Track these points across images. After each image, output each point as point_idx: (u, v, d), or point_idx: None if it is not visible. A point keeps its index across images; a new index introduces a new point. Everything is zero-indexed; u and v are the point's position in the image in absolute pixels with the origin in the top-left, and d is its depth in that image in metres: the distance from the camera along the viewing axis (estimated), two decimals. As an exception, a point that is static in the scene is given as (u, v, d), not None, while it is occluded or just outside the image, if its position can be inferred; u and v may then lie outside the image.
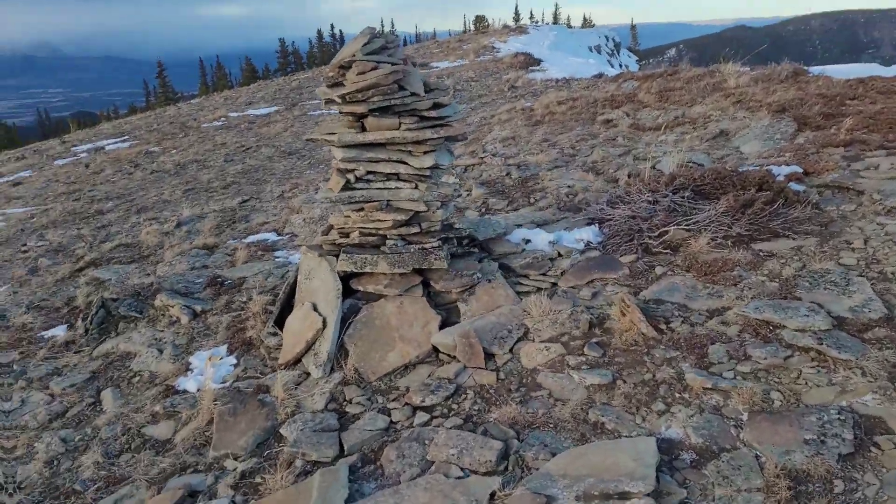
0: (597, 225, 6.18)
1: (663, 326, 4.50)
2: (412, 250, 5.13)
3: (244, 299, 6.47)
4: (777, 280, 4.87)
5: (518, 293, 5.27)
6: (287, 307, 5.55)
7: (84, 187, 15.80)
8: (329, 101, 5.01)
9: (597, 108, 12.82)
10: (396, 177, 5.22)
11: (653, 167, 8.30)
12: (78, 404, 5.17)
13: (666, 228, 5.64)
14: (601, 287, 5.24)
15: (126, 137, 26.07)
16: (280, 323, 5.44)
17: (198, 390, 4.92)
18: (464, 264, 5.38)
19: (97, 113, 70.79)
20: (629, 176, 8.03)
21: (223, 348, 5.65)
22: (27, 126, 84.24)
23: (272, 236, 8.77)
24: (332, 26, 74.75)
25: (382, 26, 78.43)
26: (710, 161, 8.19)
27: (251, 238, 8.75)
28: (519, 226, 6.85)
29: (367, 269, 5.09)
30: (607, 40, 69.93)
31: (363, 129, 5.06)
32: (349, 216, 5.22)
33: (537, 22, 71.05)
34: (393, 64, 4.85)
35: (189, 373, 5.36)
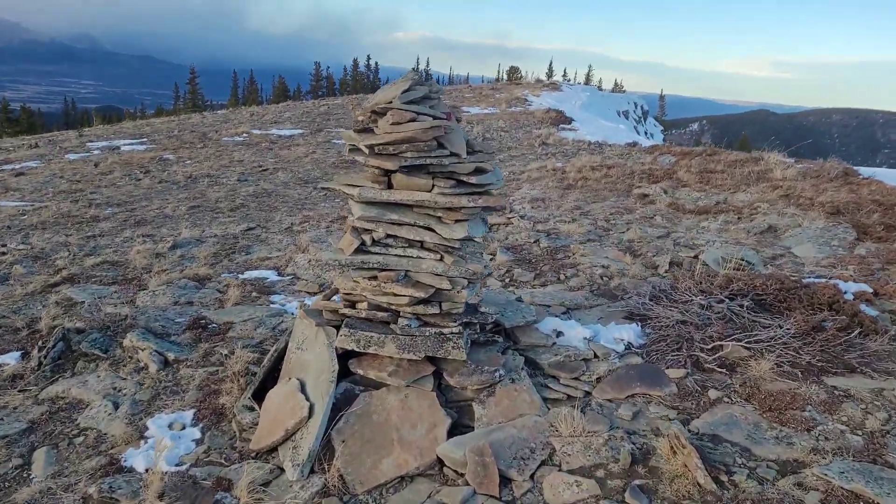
0: (638, 323, 5.36)
1: (724, 478, 3.64)
2: (427, 334, 4.32)
3: (226, 352, 5.64)
4: (860, 432, 4.02)
5: (545, 399, 4.43)
6: (271, 376, 4.73)
7: (87, 188, 15.16)
8: (354, 150, 4.29)
9: (633, 179, 12.15)
10: (420, 245, 4.46)
11: (695, 257, 7.54)
12: (3, 464, 4.31)
13: (722, 342, 4.81)
14: (643, 405, 4.40)
15: (144, 140, 25.67)
16: (260, 395, 4.60)
17: (146, 471, 4.06)
18: (485, 355, 4.55)
19: (123, 110, 71.29)
20: (671, 265, 7.25)
21: (189, 414, 4.80)
22: (52, 112, 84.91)
23: (272, 275, 7.99)
24: (369, 57, 75.73)
25: (418, 63, 79.39)
26: (761, 260, 7.41)
27: (248, 274, 7.97)
28: (547, 307, 6.05)
29: (372, 350, 4.27)
30: (636, 107, 70.32)
31: (389, 186, 4.32)
32: (358, 282, 4.43)
33: (569, 80, 71.67)
34: (434, 118, 4.13)
35: (142, 442, 4.50)
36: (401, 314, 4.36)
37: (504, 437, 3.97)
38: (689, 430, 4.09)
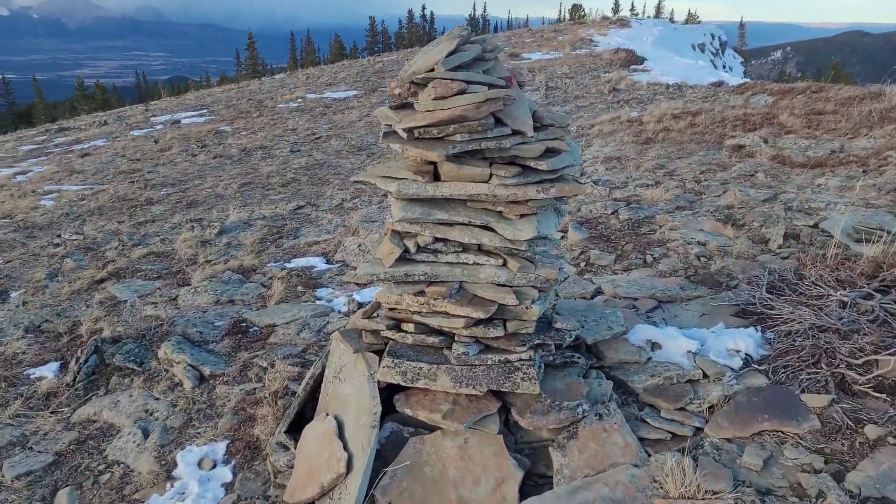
0: (757, 328, 4.27)
1: (908, 572, 2.62)
2: (490, 362, 3.44)
3: (265, 364, 4.98)
4: None
5: (642, 440, 3.49)
6: (309, 405, 4.00)
7: (145, 167, 14.97)
8: (390, 135, 3.37)
9: (724, 128, 10.63)
10: (476, 248, 3.54)
11: (815, 226, 6.24)
12: (19, 512, 3.83)
13: (878, 356, 3.69)
14: (776, 447, 3.39)
15: (204, 111, 25.57)
16: (297, 426, 3.90)
17: (166, 532, 3.45)
18: (562, 382, 3.64)
19: (189, 80, 72.59)
20: (786, 238, 6.00)
21: (221, 447, 4.18)
22: (126, 87, 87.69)
23: (320, 263, 7.29)
24: (424, 7, 73.34)
25: (474, 10, 76.40)
26: (902, 227, 6.03)
27: (295, 262, 7.30)
28: (634, 301, 5.03)
29: (421, 384, 3.44)
30: (713, 38, 65.15)
31: (435, 178, 3.39)
32: (403, 298, 3.57)
33: (638, 14, 67.11)
34: (490, 86, 3.15)
35: (168, 485, 3.91)
36: (456, 338, 3.48)
37: (592, 498, 3.08)
38: (846, 490, 3.06)
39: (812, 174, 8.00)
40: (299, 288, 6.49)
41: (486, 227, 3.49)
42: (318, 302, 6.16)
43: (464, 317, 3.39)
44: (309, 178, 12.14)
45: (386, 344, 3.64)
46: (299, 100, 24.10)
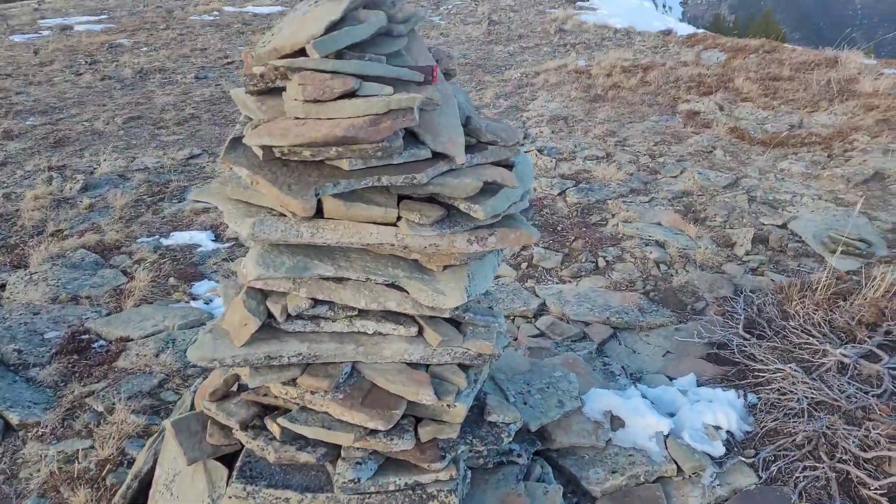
0: (739, 393, 3.40)
1: None
2: (393, 487, 2.38)
3: (101, 408, 3.74)
4: None
5: (596, 576, 2.57)
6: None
7: (14, 85, 12.62)
8: (237, 147, 2.11)
9: (678, 89, 9.66)
10: (379, 315, 2.40)
11: (784, 226, 5.45)
12: None
13: (892, 452, 2.88)
14: (765, 587, 2.55)
15: (103, 17, 22.34)
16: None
17: None
18: (495, 496, 2.64)
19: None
20: (754, 242, 5.17)
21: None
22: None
23: (206, 239, 5.94)
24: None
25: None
26: (881, 237, 5.30)
27: (174, 238, 5.92)
28: (584, 326, 4.08)
29: (289, 517, 2.35)
30: (656, -26, 63.70)
31: (318, 214, 2.18)
32: (269, 387, 2.42)
33: (585, -57, 64.48)
34: (398, 83, 1.94)
35: None
36: (344, 453, 2.38)
37: None
38: None
39: (774, 155, 7.19)
40: (171, 280, 5.17)
41: (393, 286, 2.35)
42: (192, 303, 4.88)
43: (356, 425, 2.29)
44: (211, 115, 10.41)
45: (242, 450, 2.50)
46: (216, 13, 21.37)
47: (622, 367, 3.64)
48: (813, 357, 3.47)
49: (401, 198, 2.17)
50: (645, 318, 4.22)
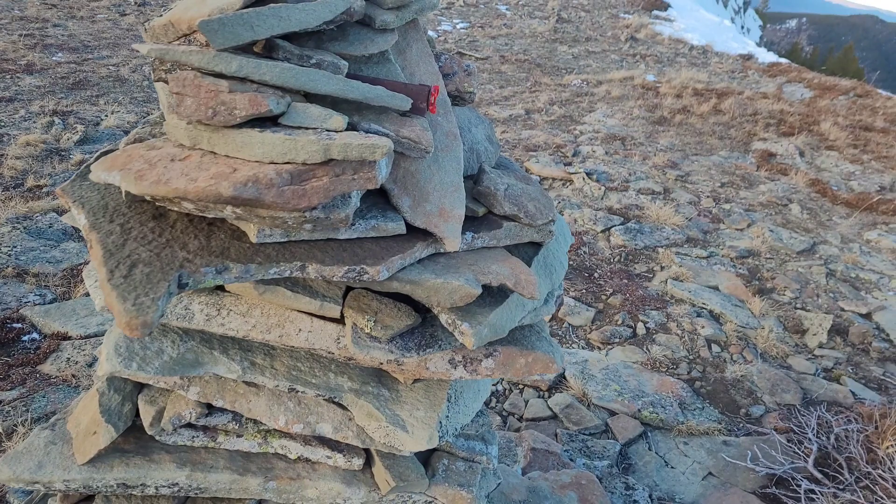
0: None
1: None
2: None
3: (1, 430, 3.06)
4: None
5: None
6: None
7: (55, 17, 12.15)
8: (79, 183, 1.32)
9: (754, 124, 8.59)
10: (305, 439, 1.61)
11: (868, 316, 4.48)
12: None
13: None
14: None
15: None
16: None
17: None
18: None
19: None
20: (830, 334, 4.22)
21: None
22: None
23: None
24: None
25: None
26: None
27: None
28: (608, 415, 3.24)
29: None
30: (738, -7, 60.93)
31: (218, 288, 1.38)
32: (132, 509, 1.65)
33: (670, -50, 62.08)
34: (363, 105, 1.12)
35: None
36: None
37: None
38: None
39: (860, 221, 6.15)
40: (138, 267, 4.45)
41: (331, 402, 1.55)
42: None
43: None
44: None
45: None
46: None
47: (649, 495, 2.78)
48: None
49: (347, 290, 1.36)
50: (685, 419, 3.35)
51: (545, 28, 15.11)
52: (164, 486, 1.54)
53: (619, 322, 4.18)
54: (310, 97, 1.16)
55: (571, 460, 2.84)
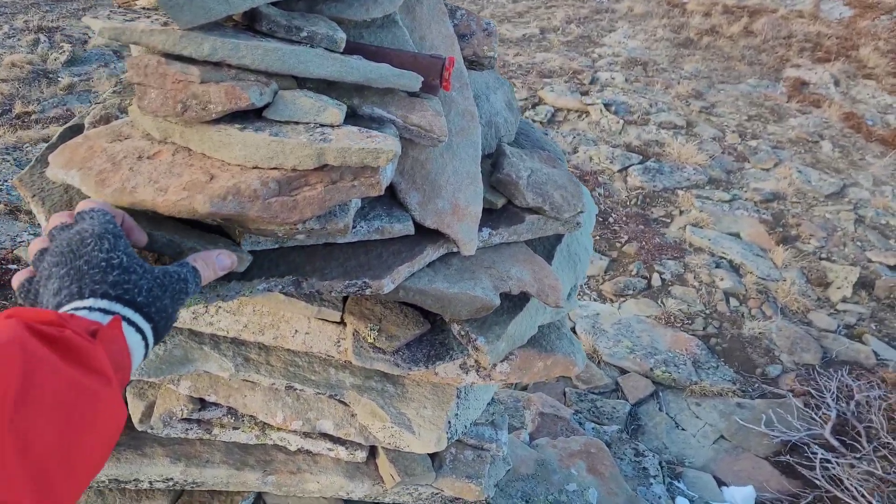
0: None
1: None
2: None
3: None
4: None
5: None
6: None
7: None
8: (37, 170, 1.13)
9: (788, 48, 8.07)
10: (305, 433, 1.51)
11: (894, 267, 4.33)
12: None
13: None
14: None
15: None
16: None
17: None
18: None
19: None
20: (855, 287, 4.07)
21: None
22: None
23: None
24: None
25: None
26: None
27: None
28: (618, 373, 3.16)
29: None
30: None
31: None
32: None
33: None
34: (365, 88, 0.92)
35: None
36: None
37: None
38: None
39: (894, 160, 5.84)
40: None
41: (335, 398, 1.44)
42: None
43: None
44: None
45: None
46: None
47: (659, 462, 2.73)
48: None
49: (346, 298, 1.21)
50: (699, 378, 3.26)
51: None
52: (158, 482, 1.46)
53: (634, 273, 4.03)
54: (300, 83, 0.96)
55: (580, 425, 2.77)
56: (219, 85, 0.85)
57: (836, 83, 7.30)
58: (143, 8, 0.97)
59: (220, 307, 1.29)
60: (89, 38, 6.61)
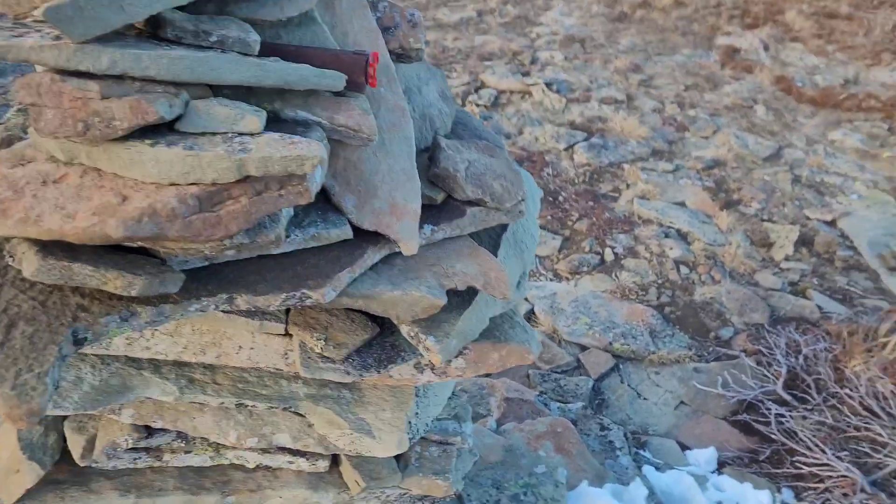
0: (773, 488, 2.59)
1: None
2: None
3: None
4: None
5: None
6: None
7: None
8: None
9: (718, 17, 8.26)
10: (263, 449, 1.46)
11: (832, 223, 4.51)
12: None
13: None
14: None
15: None
16: None
17: None
18: None
19: None
20: (796, 245, 4.22)
21: None
22: None
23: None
24: None
25: None
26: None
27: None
28: (580, 349, 3.21)
29: None
30: None
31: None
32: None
33: None
34: (284, 91, 0.87)
35: None
36: None
37: None
38: None
39: (824, 119, 6.06)
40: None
41: (289, 410, 1.39)
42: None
43: None
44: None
45: None
46: None
47: (624, 434, 2.78)
48: (876, 451, 2.63)
49: (289, 310, 1.17)
50: (657, 348, 3.33)
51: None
52: (103, 514, 1.40)
53: (587, 249, 4.08)
54: (215, 91, 0.91)
55: (545, 406, 2.80)
56: (122, 100, 0.80)
57: (766, 48, 7.51)
58: (36, 21, 0.90)
59: (155, 330, 1.23)
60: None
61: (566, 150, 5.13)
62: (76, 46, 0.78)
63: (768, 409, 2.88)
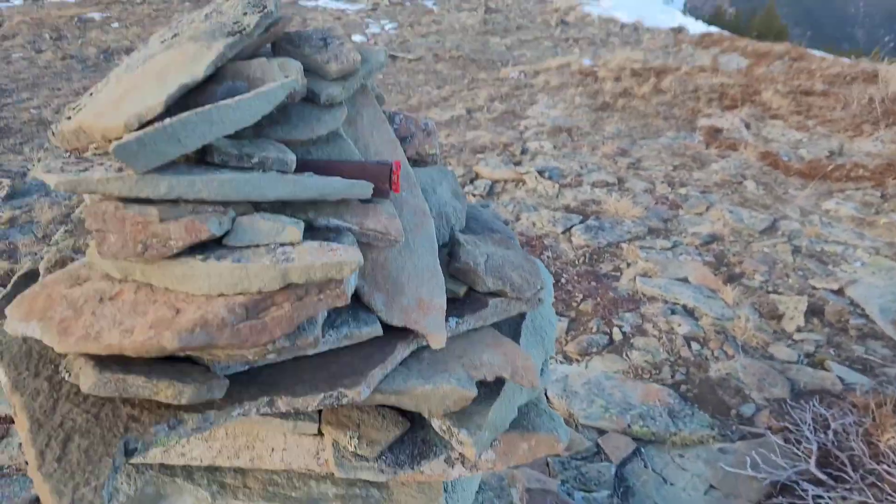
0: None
1: None
2: None
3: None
4: None
5: None
6: None
7: (-36, 62, 11.43)
8: None
9: (697, 101, 8.68)
10: None
11: (839, 291, 4.54)
12: None
13: None
14: None
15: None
16: None
17: None
18: None
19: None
20: (807, 315, 4.23)
21: None
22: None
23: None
24: None
25: None
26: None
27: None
28: (598, 434, 3.15)
29: None
30: (662, -34, 62.27)
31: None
32: None
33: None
34: (319, 203, 0.94)
35: None
36: None
37: None
38: None
39: (815, 191, 6.25)
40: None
41: (317, 512, 1.38)
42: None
43: None
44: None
45: None
46: (196, -14, 20.06)
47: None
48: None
49: (322, 412, 1.20)
50: (677, 428, 3.28)
51: (474, 20, 15.03)
52: None
53: (594, 329, 4.10)
54: (257, 207, 0.99)
55: (569, 495, 2.73)
56: (178, 221, 0.87)
57: (747, 126, 7.85)
58: (95, 154, 0.99)
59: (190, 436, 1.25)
60: (28, 170, 6.54)
61: (563, 233, 5.25)
62: (137, 177, 0.87)
63: (805, 491, 2.80)
